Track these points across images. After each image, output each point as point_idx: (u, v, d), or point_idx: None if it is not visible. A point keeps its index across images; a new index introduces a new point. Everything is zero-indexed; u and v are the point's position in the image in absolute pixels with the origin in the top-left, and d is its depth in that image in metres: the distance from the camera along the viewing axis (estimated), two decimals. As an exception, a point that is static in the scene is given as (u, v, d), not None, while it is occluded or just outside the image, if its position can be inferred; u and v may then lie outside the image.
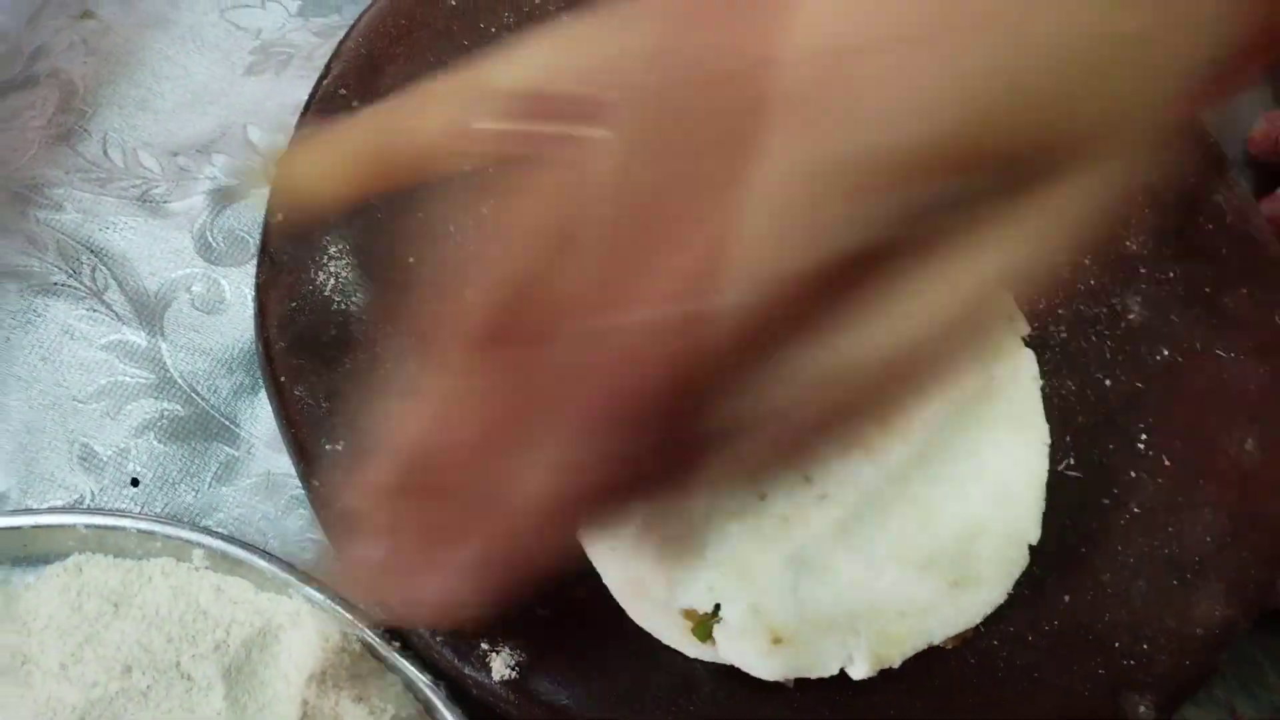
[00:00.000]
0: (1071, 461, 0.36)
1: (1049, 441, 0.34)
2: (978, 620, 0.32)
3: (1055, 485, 0.35)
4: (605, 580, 0.32)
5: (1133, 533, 0.35)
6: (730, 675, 0.32)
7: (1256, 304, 0.40)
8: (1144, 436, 0.37)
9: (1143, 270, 0.40)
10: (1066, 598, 0.34)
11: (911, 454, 0.32)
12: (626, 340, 0.19)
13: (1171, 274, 0.40)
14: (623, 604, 0.32)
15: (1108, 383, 0.38)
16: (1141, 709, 0.33)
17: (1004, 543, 0.32)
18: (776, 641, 0.29)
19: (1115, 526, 0.35)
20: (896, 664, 0.31)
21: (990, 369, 0.34)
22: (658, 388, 0.19)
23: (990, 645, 0.33)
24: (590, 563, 0.32)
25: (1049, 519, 0.34)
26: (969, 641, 0.32)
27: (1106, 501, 0.36)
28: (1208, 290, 0.40)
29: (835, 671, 0.30)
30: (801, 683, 0.31)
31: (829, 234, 0.19)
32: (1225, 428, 0.38)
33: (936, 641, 0.31)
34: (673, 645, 0.31)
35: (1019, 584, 0.34)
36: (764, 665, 0.30)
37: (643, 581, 0.31)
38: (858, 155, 0.18)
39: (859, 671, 0.30)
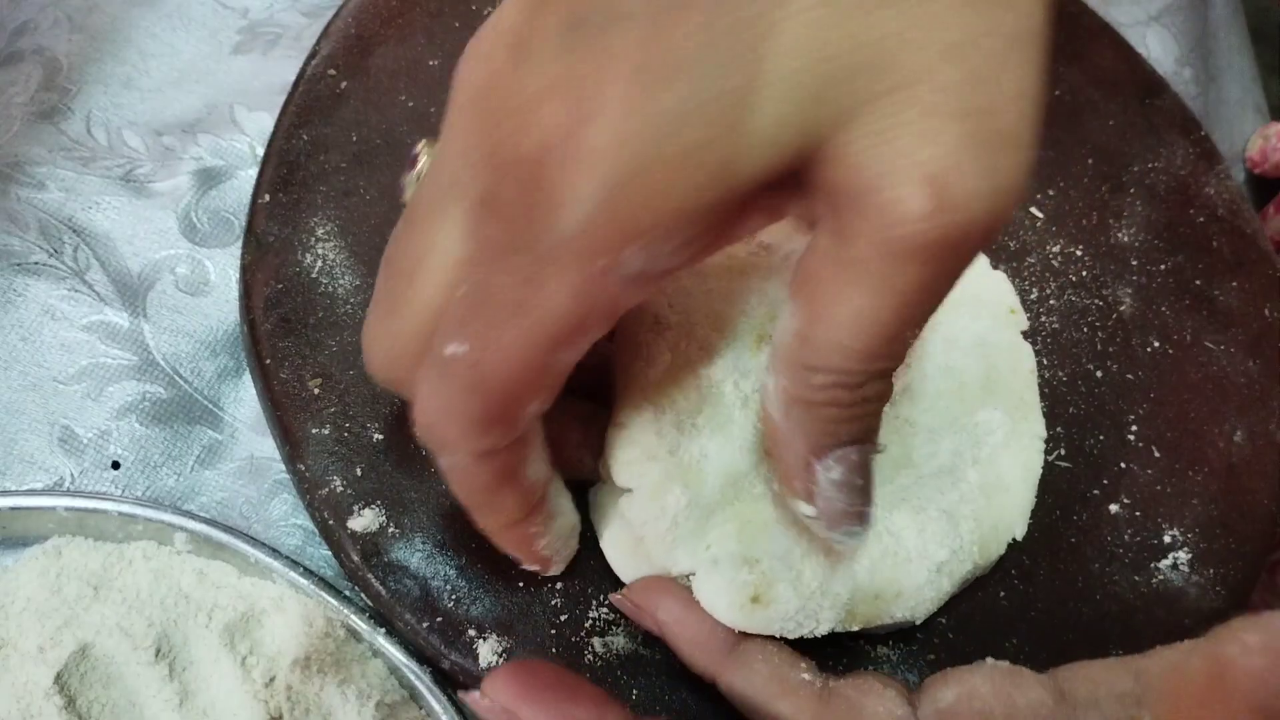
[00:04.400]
0: (1062, 452, 0.36)
1: (1045, 436, 0.34)
2: (941, 604, 0.32)
3: (1046, 476, 0.35)
4: (605, 550, 0.31)
5: (1122, 523, 0.35)
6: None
7: (1247, 296, 0.40)
8: (1134, 427, 0.37)
9: (1134, 262, 0.40)
10: (1056, 585, 0.34)
11: (910, 440, 0.32)
12: None
13: (1163, 266, 0.40)
14: (620, 574, 0.31)
15: (1099, 374, 0.38)
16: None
17: (989, 534, 0.32)
18: (755, 600, 0.29)
19: (1104, 516, 0.35)
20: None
21: (990, 360, 0.34)
22: None
23: (978, 633, 0.33)
24: (579, 555, 0.32)
25: (1039, 508, 0.34)
26: (958, 630, 0.32)
27: (1096, 492, 0.36)
28: (1199, 282, 0.40)
29: (799, 635, 0.30)
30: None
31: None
32: (1215, 419, 0.38)
33: (898, 619, 0.31)
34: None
35: (1009, 573, 0.34)
36: (736, 619, 0.29)
37: (645, 549, 0.30)
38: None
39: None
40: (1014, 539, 0.33)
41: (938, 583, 0.31)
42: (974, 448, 0.32)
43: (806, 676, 0.28)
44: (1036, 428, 0.34)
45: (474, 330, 0.24)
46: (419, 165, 0.28)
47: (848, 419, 0.24)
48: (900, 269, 0.22)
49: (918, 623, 0.31)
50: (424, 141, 0.28)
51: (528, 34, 0.23)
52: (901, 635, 0.32)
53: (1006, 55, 0.21)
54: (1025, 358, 0.35)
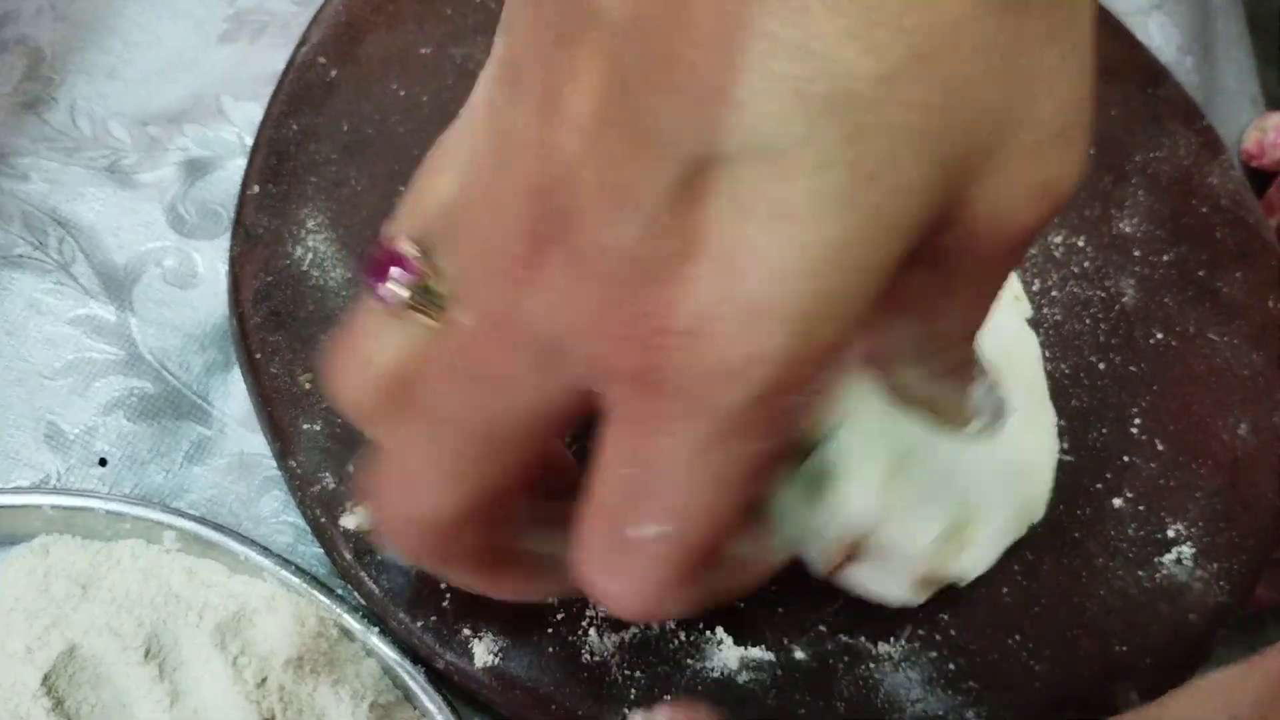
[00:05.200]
0: (1065, 445, 0.36)
1: (1056, 423, 0.33)
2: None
3: (1049, 469, 0.35)
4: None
5: (1125, 516, 0.35)
6: (711, 660, 0.31)
7: (1250, 288, 0.40)
8: (1137, 420, 0.37)
9: (1137, 253, 0.40)
10: (1059, 580, 0.33)
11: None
12: None
13: (1166, 257, 0.40)
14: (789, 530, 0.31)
15: (1101, 366, 0.38)
16: (1133, 695, 0.32)
17: (1011, 521, 0.32)
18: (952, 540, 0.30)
19: (1108, 510, 0.35)
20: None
21: (998, 345, 0.33)
22: None
23: (981, 629, 0.32)
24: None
25: (1042, 502, 0.34)
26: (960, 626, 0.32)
27: (1099, 486, 0.35)
28: (1202, 274, 0.40)
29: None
30: (784, 659, 0.31)
31: None
32: (1218, 412, 0.37)
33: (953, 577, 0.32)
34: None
35: (1011, 568, 0.33)
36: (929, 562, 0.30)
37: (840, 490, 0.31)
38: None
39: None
40: (1033, 523, 0.32)
41: (996, 548, 0.31)
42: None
43: None
44: (1049, 415, 0.33)
45: (669, 508, 0.22)
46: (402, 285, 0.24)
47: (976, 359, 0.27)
48: (1008, 260, 0.23)
49: (963, 584, 0.31)
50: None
51: (628, 186, 0.20)
52: (902, 632, 0.32)
53: (1083, 69, 0.22)
54: (1030, 346, 0.34)
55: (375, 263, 0.24)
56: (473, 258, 0.23)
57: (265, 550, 0.32)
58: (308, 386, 0.33)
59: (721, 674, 0.31)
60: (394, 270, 0.24)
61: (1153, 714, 0.25)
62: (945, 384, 0.26)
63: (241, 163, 0.37)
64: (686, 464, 0.22)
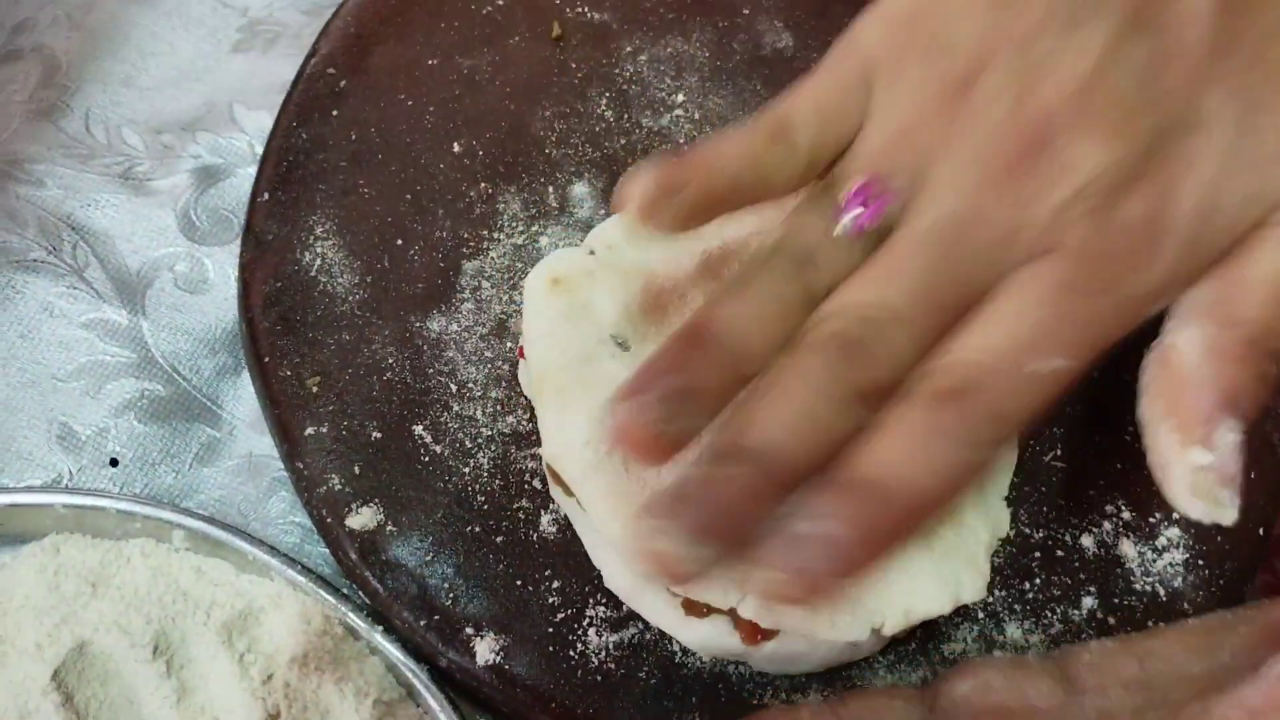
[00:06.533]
0: (1058, 452, 0.36)
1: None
2: None
3: (1042, 476, 0.35)
4: (593, 559, 0.32)
5: (1119, 525, 0.35)
6: (708, 660, 0.32)
7: (1244, 298, 0.40)
8: (1131, 428, 0.37)
9: (1131, 263, 0.40)
10: (1052, 585, 0.34)
11: None
12: None
13: (1160, 267, 0.40)
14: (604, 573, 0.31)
15: (1095, 374, 0.38)
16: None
17: None
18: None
19: (1101, 516, 0.35)
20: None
21: None
22: None
23: (972, 632, 0.33)
24: (576, 554, 0.32)
25: (1036, 508, 0.34)
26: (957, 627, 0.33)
27: (1092, 492, 0.36)
28: (1196, 283, 0.40)
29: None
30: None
31: None
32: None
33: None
34: (662, 626, 0.31)
35: (1005, 575, 0.34)
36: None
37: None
38: None
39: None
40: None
41: None
42: None
43: (807, 716, 0.28)
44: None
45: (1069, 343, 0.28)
46: None
47: (1252, 383, 0.28)
48: None
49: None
50: None
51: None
52: (894, 640, 0.33)
53: None
54: None
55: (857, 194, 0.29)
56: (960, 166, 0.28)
57: (272, 550, 0.32)
58: (315, 390, 0.33)
59: (718, 673, 0.32)
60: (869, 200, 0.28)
61: (1139, 645, 0.27)
62: (1211, 368, 0.28)
63: (252, 170, 0.38)
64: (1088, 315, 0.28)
